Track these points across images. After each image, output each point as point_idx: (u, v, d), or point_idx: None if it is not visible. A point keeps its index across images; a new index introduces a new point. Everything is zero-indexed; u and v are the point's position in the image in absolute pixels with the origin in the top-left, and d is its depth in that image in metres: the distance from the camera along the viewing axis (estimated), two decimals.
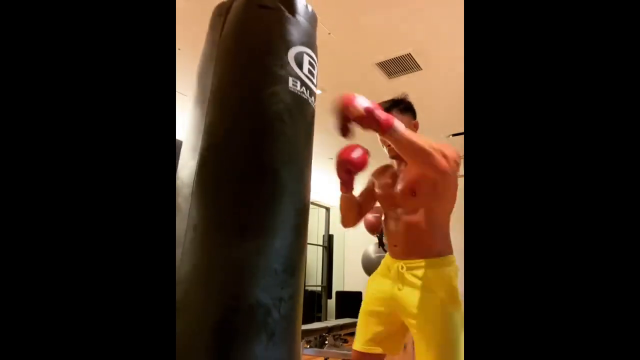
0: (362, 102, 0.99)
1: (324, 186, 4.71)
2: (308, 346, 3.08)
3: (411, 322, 1.18)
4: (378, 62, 2.69)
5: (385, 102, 1.33)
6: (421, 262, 1.21)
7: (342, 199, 1.39)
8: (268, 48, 0.85)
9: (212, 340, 0.67)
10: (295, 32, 0.88)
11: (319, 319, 5.16)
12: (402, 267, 1.23)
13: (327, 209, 5.39)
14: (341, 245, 5.91)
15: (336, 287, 5.52)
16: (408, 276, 1.21)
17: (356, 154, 1.26)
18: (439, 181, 1.21)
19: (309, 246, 4.80)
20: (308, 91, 0.88)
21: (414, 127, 1.34)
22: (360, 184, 1.43)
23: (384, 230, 1.38)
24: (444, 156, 1.06)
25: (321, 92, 3.09)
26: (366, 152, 1.27)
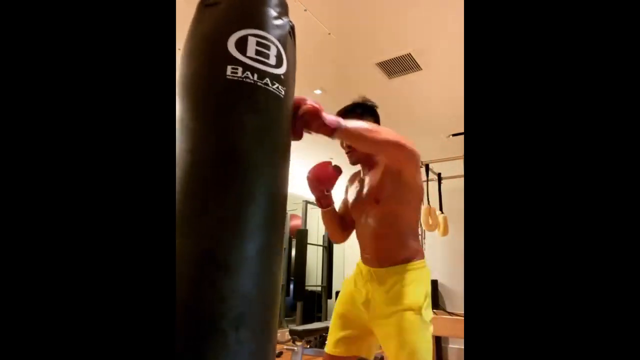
0: (312, 102, 0.97)
1: None
2: (308, 346, 3.08)
3: (377, 328, 1.20)
4: (378, 62, 2.69)
5: (347, 106, 1.34)
6: (389, 270, 1.23)
7: (322, 215, 1.40)
8: (205, 42, 0.83)
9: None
10: (238, 18, 0.84)
11: (319, 319, 5.16)
12: (372, 276, 1.25)
13: None
14: (341, 245, 5.91)
15: (336, 287, 5.51)
16: (377, 285, 1.24)
17: (321, 172, 1.27)
18: (400, 185, 1.23)
19: (309, 246, 4.80)
20: (256, 74, 0.81)
21: None
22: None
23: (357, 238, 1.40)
24: (396, 135, 1.09)
25: (321, 92, 3.09)
26: (335, 170, 1.28)
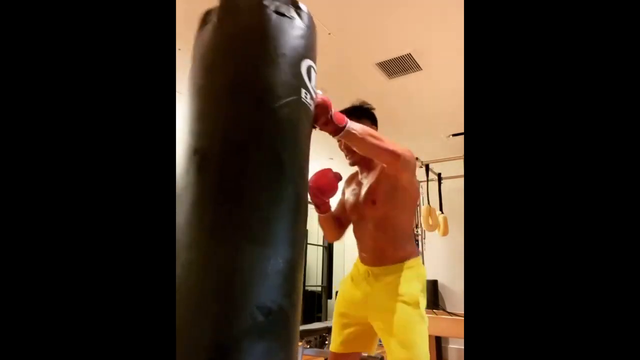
0: (322, 96, 1.00)
1: None
2: (308, 346, 3.08)
3: (376, 323, 1.24)
4: (378, 62, 2.69)
5: (346, 108, 1.35)
6: (386, 269, 1.27)
7: (320, 219, 1.43)
8: (286, 57, 0.86)
9: (217, 346, 0.66)
10: (307, 44, 0.90)
11: (319, 319, 5.16)
12: (369, 274, 1.29)
13: None
14: (341, 245, 5.91)
15: (336, 287, 5.52)
16: (374, 282, 1.28)
17: (324, 181, 1.29)
18: (397, 188, 1.27)
19: (309, 246, 4.80)
20: (312, 103, 0.92)
21: None
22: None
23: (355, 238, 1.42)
24: (394, 145, 1.12)
25: (321, 92, 3.09)
26: (336, 177, 1.31)
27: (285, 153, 0.81)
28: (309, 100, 0.88)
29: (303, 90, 0.86)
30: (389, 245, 1.29)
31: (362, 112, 1.37)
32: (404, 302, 1.19)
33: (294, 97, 0.84)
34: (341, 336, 1.32)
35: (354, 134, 1.04)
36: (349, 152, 1.36)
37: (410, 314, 1.18)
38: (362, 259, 1.35)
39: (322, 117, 0.98)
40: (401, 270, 1.26)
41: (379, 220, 1.29)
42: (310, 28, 0.92)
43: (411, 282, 1.24)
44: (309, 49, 0.91)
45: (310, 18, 0.93)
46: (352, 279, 1.36)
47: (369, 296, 1.27)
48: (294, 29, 0.88)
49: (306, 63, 0.89)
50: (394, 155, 1.13)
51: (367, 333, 1.31)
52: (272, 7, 0.87)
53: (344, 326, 1.33)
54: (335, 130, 1.02)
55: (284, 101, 0.82)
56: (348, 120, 1.04)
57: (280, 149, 0.80)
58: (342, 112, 1.33)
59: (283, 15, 0.87)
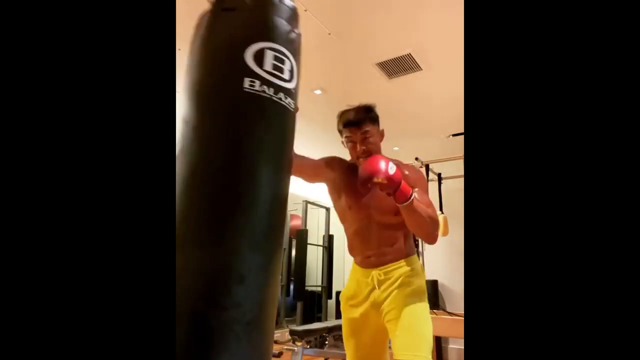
0: (387, 168, 1.09)
1: (324, 186, 4.69)
2: (308, 346, 3.08)
3: (385, 315, 1.28)
4: (378, 62, 2.69)
5: (359, 110, 1.33)
6: (394, 265, 1.32)
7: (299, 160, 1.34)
8: (222, 50, 0.82)
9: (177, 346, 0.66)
10: (256, 29, 0.84)
11: (319, 319, 5.16)
12: (381, 275, 1.32)
13: (327, 209, 5.38)
14: (341, 245, 5.90)
15: (336, 287, 5.51)
16: (383, 280, 1.31)
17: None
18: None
19: (309, 246, 4.80)
20: (272, 89, 0.82)
21: (381, 136, 1.39)
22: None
23: (349, 240, 1.42)
24: (438, 226, 1.24)
25: (321, 92, 3.09)
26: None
27: (220, 151, 0.77)
28: (258, 87, 0.80)
29: (247, 80, 0.80)
30: (398, 245, 1.33)
31: (376, 115, 1.37)
32: (413, 292, 1.27)
33: (230, 90, 0.79)
34: (358, 352, 1.35)
35: (415, 208, 1.15)
36: (365, 154, 1.31)
37: (422, 307, 1.26)
38: (368, 264, 1.34)
39: (389, 189, 1.10)
40: (408, 265, 1.32)
41: (393, 225, 1.31)
42: (273, 12, 0.86)
43: (419, 276, 1.32)
44: (259, 33, 0.83)
45: (277, 1, 0.87)
46: (355, 291, 1.36)
47: (376, 293, 1.30)
48: (238, 19, 0.83)
49: (255, 47, 0.81)
50: (431, 239, 1.27)
51: (382, 339, 1.33)
52: (220, 5, 0.85)
53: (357, 347, 1.35)
54: (401, 200, 1.13)
55: (218, 98, 0.79)
56: (415, 194, 1.13)
57: (215, 150, 0.77)
58: (357, 110, 1.33)
59: (228, 9, 0.84)
